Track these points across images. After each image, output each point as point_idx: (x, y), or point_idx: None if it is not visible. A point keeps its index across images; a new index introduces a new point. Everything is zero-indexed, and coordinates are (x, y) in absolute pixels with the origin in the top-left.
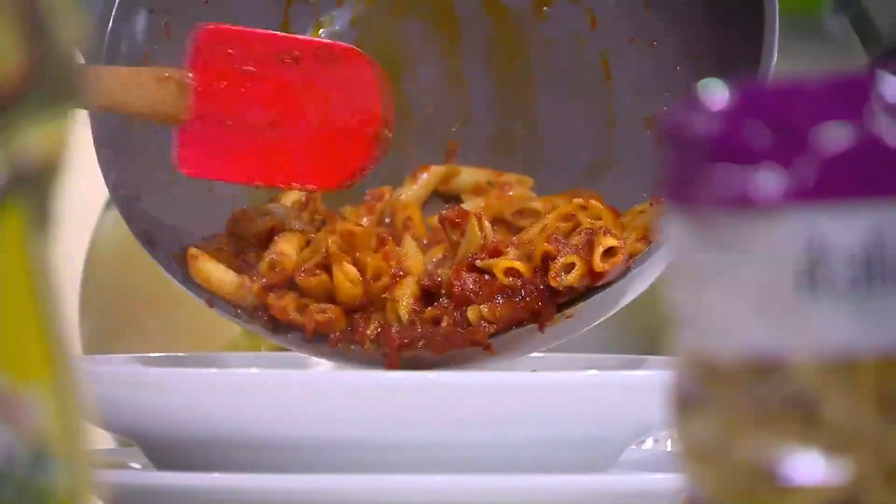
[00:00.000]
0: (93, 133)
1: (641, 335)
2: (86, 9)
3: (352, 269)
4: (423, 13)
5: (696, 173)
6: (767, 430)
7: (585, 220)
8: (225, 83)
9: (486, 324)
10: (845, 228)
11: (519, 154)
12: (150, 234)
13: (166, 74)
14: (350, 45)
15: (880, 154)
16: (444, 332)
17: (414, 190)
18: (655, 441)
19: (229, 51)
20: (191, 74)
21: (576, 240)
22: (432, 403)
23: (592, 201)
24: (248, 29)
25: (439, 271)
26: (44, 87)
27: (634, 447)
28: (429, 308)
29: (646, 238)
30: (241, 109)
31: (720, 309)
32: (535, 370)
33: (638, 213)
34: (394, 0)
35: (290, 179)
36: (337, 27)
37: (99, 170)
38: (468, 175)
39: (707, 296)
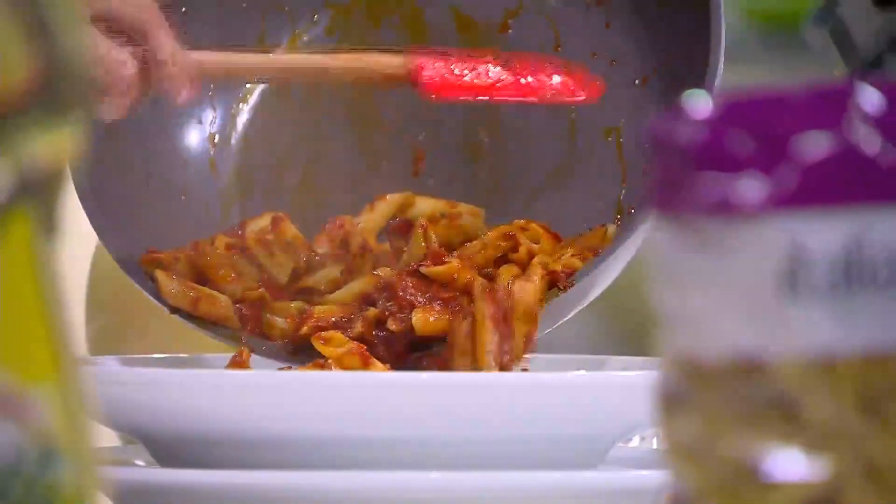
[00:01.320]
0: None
1: (629, 336)
2: None
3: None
4: (394, 24)
5: (681, 180)
6: (750, 429)
7: (525, 241)
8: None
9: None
10: (825, 233)
11: (483, 161)
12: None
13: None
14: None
15: (859, 162)
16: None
17: (371, 217)
18: (642, 439)
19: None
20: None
21: (514, 256)
22: (428, 402)
23: (533, 224)
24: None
25: (380, 272)
26: (50, 96)
27: (622, 445)
28: (371, 308)
29: (581, 255)
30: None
31: (704, 311)
32: (526, 370)
33: (578, 236)
34: (367, 12)
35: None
36: (312, 36)
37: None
38: (423, 205)
39: (692, 298)
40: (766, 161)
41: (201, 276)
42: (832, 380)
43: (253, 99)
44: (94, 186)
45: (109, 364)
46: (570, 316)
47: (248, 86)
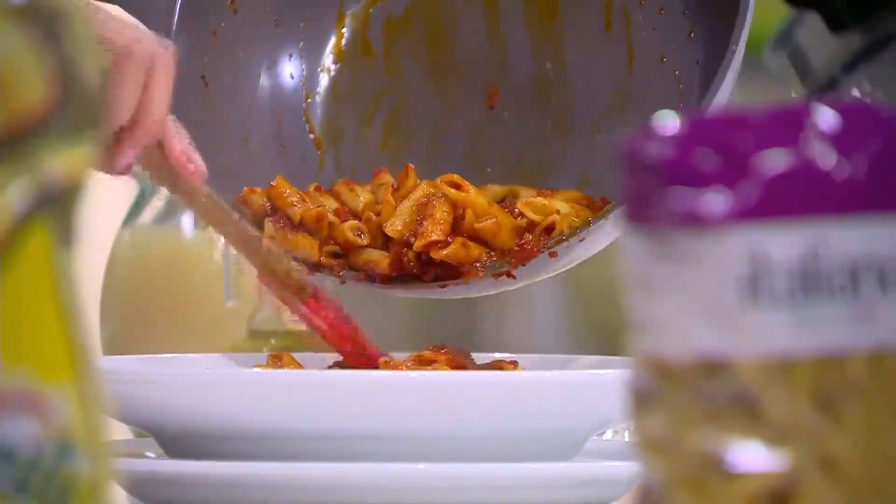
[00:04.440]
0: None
1: (604, 338)
2: None
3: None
4: None
5: (650, 194)
6: (714, 424)
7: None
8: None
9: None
10: (784, 244)
11: (551, 93)
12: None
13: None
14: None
15: (815, 177)
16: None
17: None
18: (615, 433)
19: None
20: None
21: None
22: (418, 399)
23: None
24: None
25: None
26: (68, 116)
27: (596, 438)
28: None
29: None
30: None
31: (672, 315)
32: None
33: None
34: None
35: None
36: None
37: (118, 189)
38: (525, 193)
39: (660, 304)
40: (729, 176)
41: (273, 207)
42: (789, 379)
43: (340, 50)
44: (193, 144)
45: (122, 364)
46: (553, 274)
47: (334, 41)
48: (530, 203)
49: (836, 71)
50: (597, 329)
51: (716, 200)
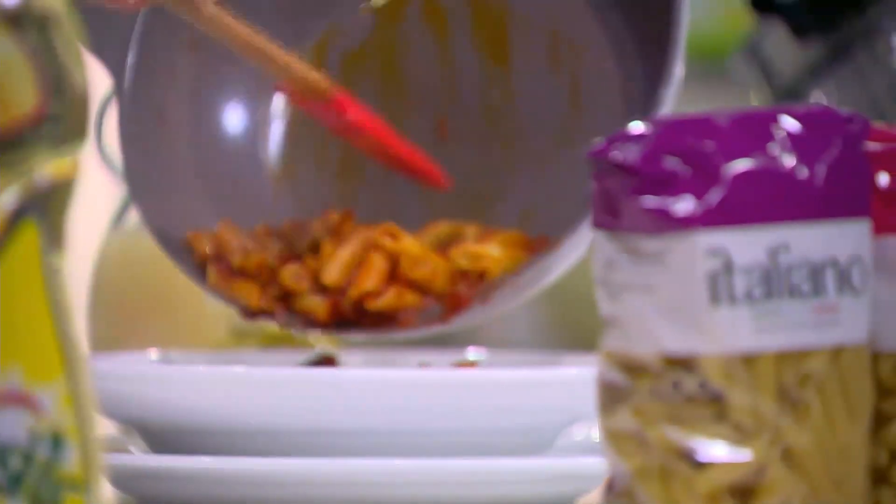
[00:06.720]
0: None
1: (579, 335)
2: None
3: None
4: (418, 7)
5: (618, 199)
6: (681, 418)
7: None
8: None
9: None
10: (748, 246)
11: (499, 122)
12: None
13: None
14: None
15: (777, 184)
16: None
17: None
18: (586, 428)
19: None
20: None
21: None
22: (395, 396)
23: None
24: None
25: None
26: (58, 123)
27: (567, 434)
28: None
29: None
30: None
31: (639, 315)
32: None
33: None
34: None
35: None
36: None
37: (105, 193)
38: (468, 231)
39: (628, 303)
40: (695, 181)
41: (220, 251)
42: (752, 375)
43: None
44: (144, 179)
45: (110, 361)
46: (522, 300)
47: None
48: (462, 251)
49: (801, 77)
50: (572, 327)
51: (682, 204)
